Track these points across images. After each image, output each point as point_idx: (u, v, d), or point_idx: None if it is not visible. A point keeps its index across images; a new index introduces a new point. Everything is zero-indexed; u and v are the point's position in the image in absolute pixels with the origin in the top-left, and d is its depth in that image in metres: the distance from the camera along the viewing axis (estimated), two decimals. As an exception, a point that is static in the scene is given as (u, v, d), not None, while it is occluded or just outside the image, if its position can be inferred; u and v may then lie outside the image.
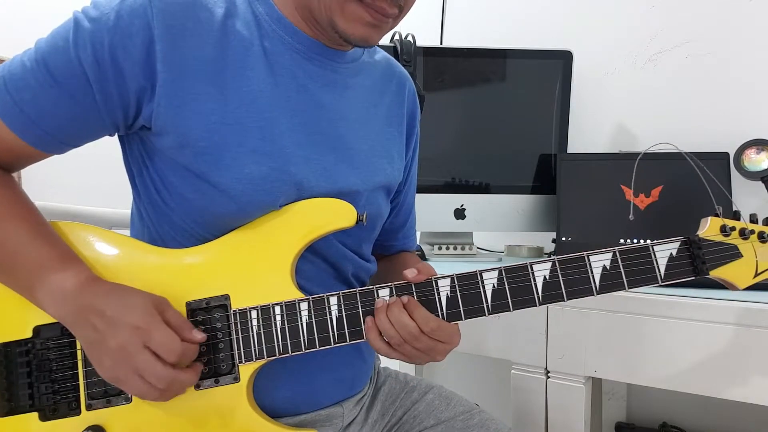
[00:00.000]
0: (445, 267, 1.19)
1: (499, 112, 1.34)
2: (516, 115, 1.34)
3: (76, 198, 1.39)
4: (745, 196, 1.26)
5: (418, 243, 1.38)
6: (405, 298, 0.63)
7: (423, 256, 1.31)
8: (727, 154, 1.17)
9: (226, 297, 0.65)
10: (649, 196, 1.19)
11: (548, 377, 1.02)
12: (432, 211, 1.33)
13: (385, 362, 0.92)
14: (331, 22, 0.64)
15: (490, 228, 1.37)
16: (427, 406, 0.81)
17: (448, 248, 1.37)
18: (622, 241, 1.20)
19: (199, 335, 0.61)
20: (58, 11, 0.64)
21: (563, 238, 1.24)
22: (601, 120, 1.46)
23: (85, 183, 1.84)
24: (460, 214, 1.35)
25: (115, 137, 0.70)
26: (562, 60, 1.31)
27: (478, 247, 1.45)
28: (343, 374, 0.74)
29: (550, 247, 1.30)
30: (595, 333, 0.97)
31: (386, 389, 0.84)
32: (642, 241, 1.18)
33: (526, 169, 1.35)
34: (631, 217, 1.15)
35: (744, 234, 0.66)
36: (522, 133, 1.35)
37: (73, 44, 0.59)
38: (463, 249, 1.38)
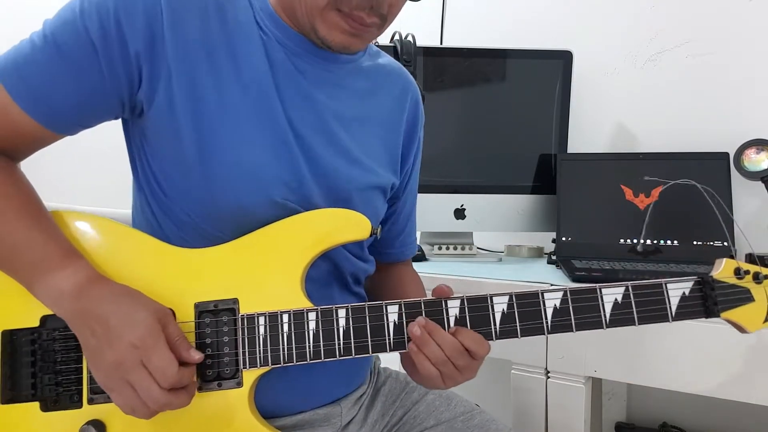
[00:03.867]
0: (445, 267, 1.19)
1: (499, 112, 1.34)
2: (516, 115, 1.34)
3: (76, 198, 1.39)
4: (745, 196, 1.27)
5: (418, 243, 1.38)
6: (453, 329, 0.64)
7: (423, 257, 1.31)
8: (727, 154, 1.17)
9: (235, 301, 0.64)
10: (649, 196, 1.19)
11: (548, 377, 1.02)
12: (432, 211, 1.33)
13: (385, 362, 0.91)
14: (312, 28, 0.65)
15: (490, 228, 1.37)
16: (427, 407, 0.81)
17: (448, 248, 1.37)
18: (622, 241, 1.20)
19: (197, 356, 0.60)
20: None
21: (563, 238, 1.23)
22: (601, 120, 1.46)
23: (85, 183, 1.84)
24: (460, 214, 1.35)
25: (113, 135, 0.70)
26: (562, 60, 1.31)
27: (478, 247, 1.45)
28: (340, 372, 0.73)
29: (550, 247, 1.30)
30: (595, 333, 0.97)
31: (386, 389, 0.84)
32: (642, 241, 1.19)
33: (526, 169, 1.35)
34: (639, 245, 1.15)
35: (758, 278, 0.66)
36: (522, 133, 1.35)
37: (80, 14, 0.60)
38: (463, 249, 1.38)
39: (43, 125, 0.62)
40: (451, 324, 0.64)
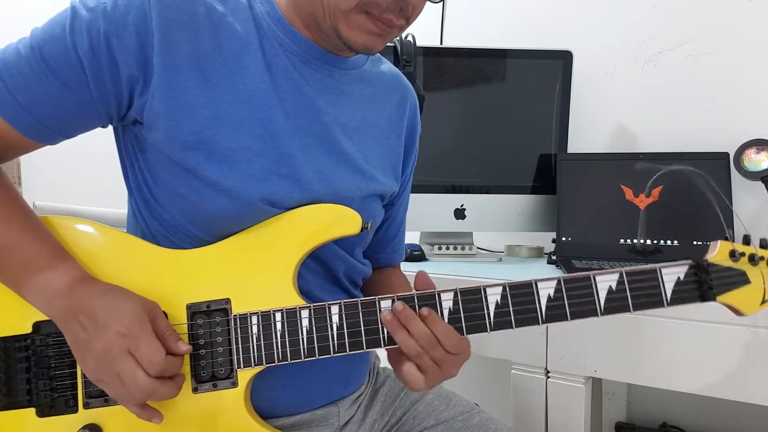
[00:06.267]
0: (445, 267, 1.19)
1: (499, 112, 1.34)
2: (516, 115, 1.34)
3: (76, 198, 1.39)
4: (745, 196, 1.27)
5: (417, 243, 1.39)
6: (425, 311, 0.62)
7: (423, 257, 1.31)
8: (727, 154, 1.17)
9: (227, 301, 0.64)
10: (650, 196, 1.19)
11: (548, 377, 1.02)
12: (432, 211, 1.33)
13: (384, 362, 0.91)
14: (335, 29, 0.64)
15: (490, 228, 1.37)
16: (426, 407, 0.81)
17: (448, 248, 1.37)
18: (622, 241, 1.20)
19: (185, 347, 0.60)
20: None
21: (563, 238, 1.24)
22: (601, 120, 1.46)
23: (85, 183, 1.84)
24: (460, 214, 1.35)
25: (111, 135, 0.70)
26: (562, 60, 1.31)
27: (478, 247, 1.45)
28: (338, 372, 0.73)
29: (550, 247, 1.30)
30: (595, 333, 0.97)
31: (385, 389, 0.84)
32: (642, 241, 1.18)
33: (526, 169, 1.35)
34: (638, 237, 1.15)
35: (753, 260, 0.64)
36: (522, 133, 1.35)
37: (69, 32, 0.59)
38: (463, 249, 1.38)
39: (25, 135, 0.62)
40: (446, 316, 0.63)
